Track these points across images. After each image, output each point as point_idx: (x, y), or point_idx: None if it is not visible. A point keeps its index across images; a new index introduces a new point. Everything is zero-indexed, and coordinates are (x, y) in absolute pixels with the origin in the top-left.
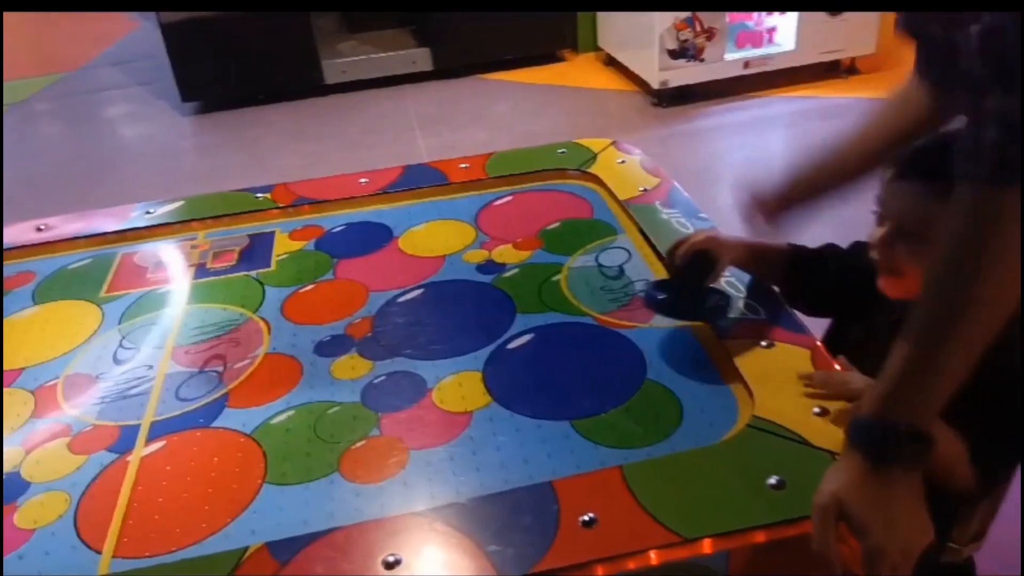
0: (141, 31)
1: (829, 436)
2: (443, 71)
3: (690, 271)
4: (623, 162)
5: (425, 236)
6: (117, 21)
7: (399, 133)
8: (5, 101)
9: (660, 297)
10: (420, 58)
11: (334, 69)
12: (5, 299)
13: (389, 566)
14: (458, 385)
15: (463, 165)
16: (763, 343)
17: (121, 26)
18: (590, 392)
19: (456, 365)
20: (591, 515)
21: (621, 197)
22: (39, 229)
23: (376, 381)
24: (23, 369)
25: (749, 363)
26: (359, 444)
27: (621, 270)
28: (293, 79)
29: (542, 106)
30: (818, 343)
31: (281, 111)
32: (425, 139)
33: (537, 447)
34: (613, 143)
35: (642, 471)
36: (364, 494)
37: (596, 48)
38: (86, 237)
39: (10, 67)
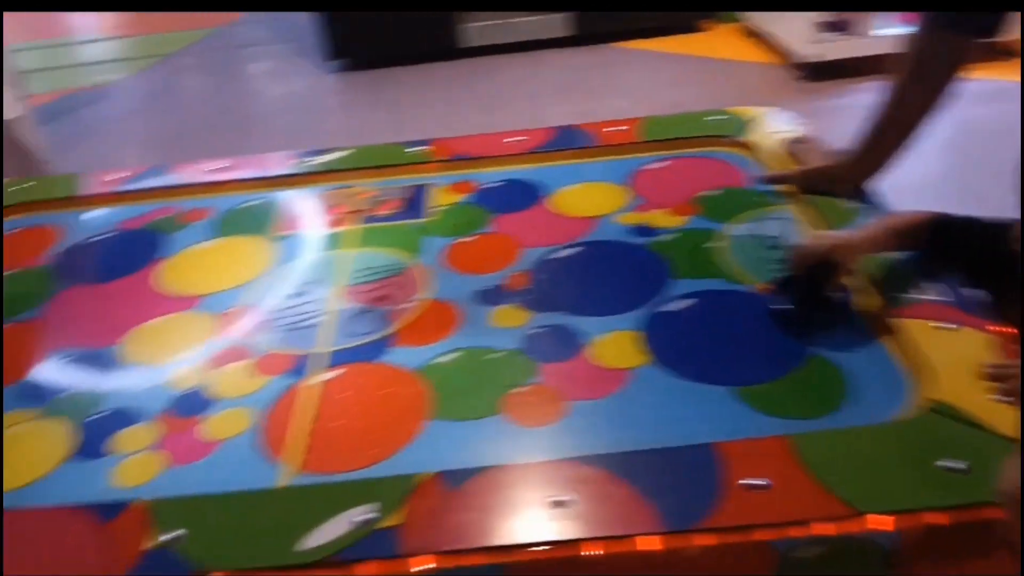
0: None
1: (1009, 422)
2: (579, 37)
3: (808, 282)
4: (779, 132)
5: (577, 196)
6: None
7: (532, 99)
8: (157, 53)
9: (780, 308)
10: (557, 24)
11: (470, 33)
12: (185, 231)
13: (556, 505)
14: (615, 342)
15: (614, 128)
16: (938, 323)
17: None
18: (752, 360)
19: (612, 323)
20: (758, 480)
21: (778, 167)
22: (213, 169)
23: (534, 332)
24: (203, 296)
25: (922, 343)
26: (521, 389)
27: (783, 240)
28: (430, 42)
29: (679, 76)
30: (995, 326)
31: (418, 73)
32: (558, 105)
33: (695, 409)
34: (768, 112)
35: (813, 442)
36: (527, 436)
37: (736, 19)
38: (258, 179)
39: (160, 21)
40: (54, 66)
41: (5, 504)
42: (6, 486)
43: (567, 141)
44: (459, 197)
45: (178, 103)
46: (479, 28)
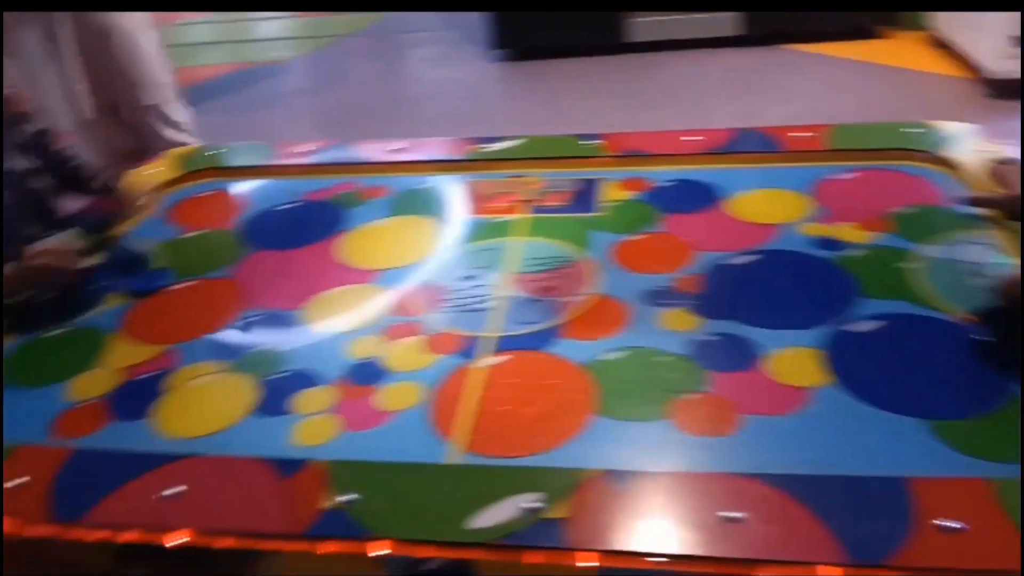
0: None
1: None
2: (750, 38)
3: (1014, 315)
4: (982, 150)
5: (757, 202)
6: None
7: (697, 98)
8: (330, 34)
9: (982, 340)
10: (728, 22)
11: (638, 27)
12: (364, 207)
13: (727, 520)
14: (794, 358)
15: (798, 134)
16: None
17: None
18: (949, 394)
19: (791, 337)
20: (953, 522)
21: (981, 188)
22: (392, 149)
23: (705, 338)
24: (380, 270)
25: None
26: (689, 396)
27: (985, 267)
28: (597, 35)
29: (855, 83)
30: None
31: (582, 66)
32: (724, 106)
33: (883, 439)
34: (971, 128)
35: (1017, 488)
36: (694, 445)
37: (922, 27)
38: (432, 161)
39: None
40: (233, 39)
41: (193, 449)
42: (194, 432)
43: (747, 143)
44: (630, 194)
45: (346, 83)
46: (646, 23)
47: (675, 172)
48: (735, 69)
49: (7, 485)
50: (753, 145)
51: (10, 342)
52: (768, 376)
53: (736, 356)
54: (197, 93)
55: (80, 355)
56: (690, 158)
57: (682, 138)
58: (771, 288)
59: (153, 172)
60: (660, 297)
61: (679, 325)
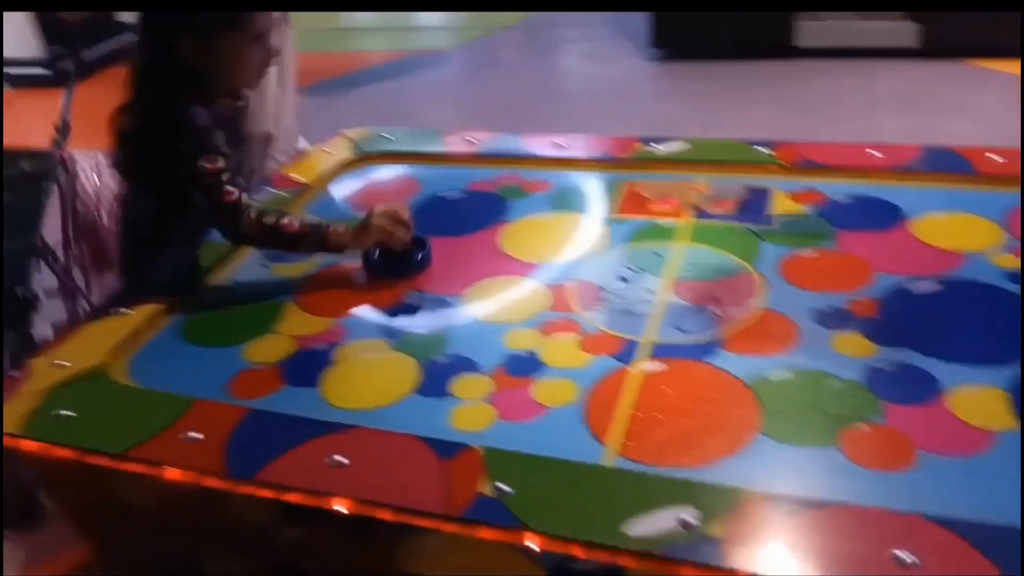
0: None
1: None
2: (927, 50)
3: None
4: None
5: (944, 225)
6: None
7: (864, 109)
8: (489, 25)
9: None
10: (905, 33)
11: (808, 32)
12: (527, 199)
13: (901, 564)
14: (980, 397)
15: (994, 156)
16: None
17: None
18: None
19: (977, 374)
20: None
21: None
22: (557, 144)
23: (881, 366)
24: (540, 264)
25: None
26: (860, 426)
27: None
28: (763, 38)
29: None
30: None
31: (744, 68)
32: (892, 120)
33: None
34: None
35: None
36: (865, 478)
37: None
38: (595, 159)
39: None
40: (397, 27)
41: (357, 421)
42: (358, 404)
43: (936, 163)
44: (803, 206)
45: (502, 75)
46: (816, 27)
47: (853, 187)
48: (908, 82)
49: (185, 435)
50: (943, 165)
51: (201, 295)
52: (949, 412)
53: (914, 388)
54: (360, 78)
55: (257, 320)
56: (871, 173)
57: (866, 151)
58: (955, 319)
59: (329, 153)
60: (832, 318)
61: (853, 349)
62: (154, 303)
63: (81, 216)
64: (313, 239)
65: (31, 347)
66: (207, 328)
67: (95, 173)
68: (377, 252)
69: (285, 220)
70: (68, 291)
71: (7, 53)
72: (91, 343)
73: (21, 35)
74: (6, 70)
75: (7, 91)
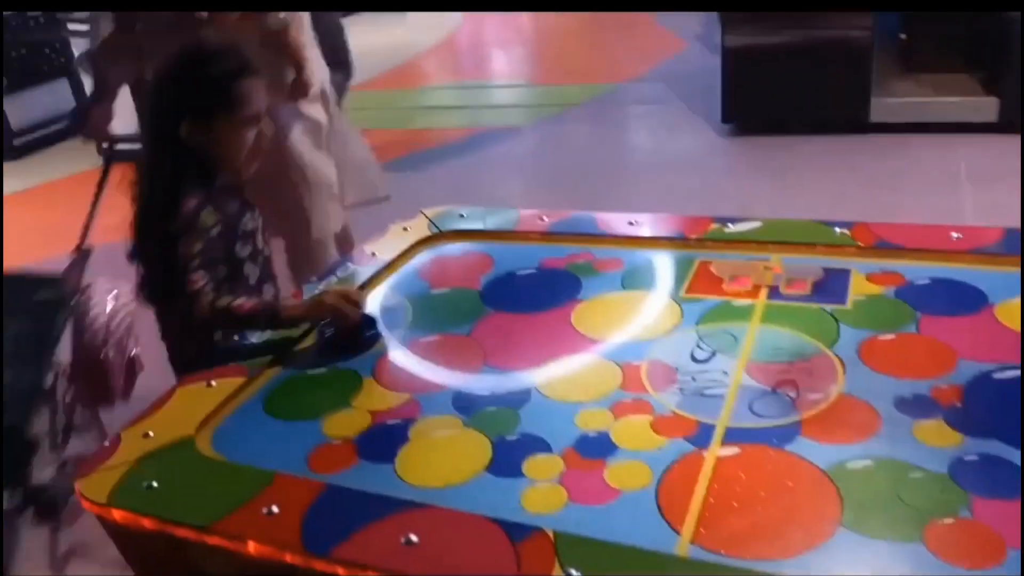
0: (690, 51)
1: None
2: (1008, 124)
3: None
4: None
5: None
6: (669, 40)
7: (944, 186)
8: (562, 103)
9: None
10: (985, 108)
11: (883, 108)
12: (599, 277)
13: None
14: None
15: None
16: None
17: (672, 45)
18: None
19: None
20: None
21: None
22: (630, 223)
23: (967, 458)
24: (612, 343)
25: None
26: (947, 521)
27: None
28: (837, 113)
29: None
30: None
31: (817, 144)
32: (975, 196)
33: None
34: None
35: None
36: (952, 575)
37: None
38: (668, 238)
39: (573, 73)
40: (471, 105)
41: (428, 500)
42: (432, 482)
43: (1018, 245)
44: (882, 288)
45: (574, 150)
46: (895, 103)
47: (934, 269)
48: (990, 158)
49: (267, 510)
50: None
51: (282, 369)
52: None
53: (1002, 481)
54: (435, 154)
55: (335, 394)
56: (952, 256)
57: (948, 232)
58: None
59: (406, 231)
60: (915, 405)
61: (937, 439)
62: (238, 376)
63: (87, 349)
64: (265, 316)
65: (26, 491)
66: (287, 401)
67: (112, 302)
68: (329, 331)
69: (237, 302)
70: (67, 432)
71: (120, 130)
72: (177, 415)
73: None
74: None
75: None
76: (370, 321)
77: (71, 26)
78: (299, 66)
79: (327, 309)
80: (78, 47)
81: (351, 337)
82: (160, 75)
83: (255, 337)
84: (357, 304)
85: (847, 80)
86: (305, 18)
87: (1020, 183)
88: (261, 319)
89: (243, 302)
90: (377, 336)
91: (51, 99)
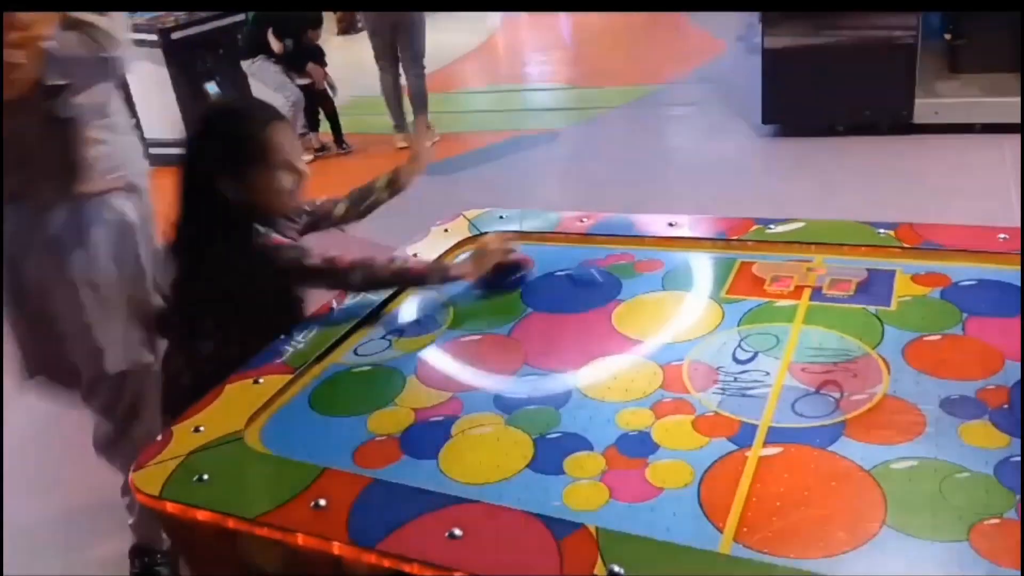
0: (729, 53)
1: None
2: None
3: None
4: None
5: None
6: (707, 42)
7: (990, 186)
8: (602, 105)
9: None
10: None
11: (927, 109)
12: (640, 279)
13: None
14: None
15: None
16: None
17: (710, 46)
18: None
19: None
20: None
21: None
22: (670, 224)
23: (1013, 459)
24: (654, 343)
25: None
26: (992, 521)
27: None
28: (879, 114)
29: None
30: None
31: (859, 145)
32: (1020, 199)
33: None
34: None
35: None
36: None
37: None
38: (709, 239)
39: (612, 75)
40: (510, 108)
41: (471, 495)
42: (475, 479)
43: None
44: (927, 290)
45: (613, 152)
46: (938, 104)
47: (980, 270)
48: None
49: (315, 504)
50: None
51: (327, 367)
52: None
53: None
54: (476, 157)
55: (379, 392)
56: (998, 257)
57: (993, 233)
58: None
59: (447, 232)
60: (961, 406)
61: (983, 441)
62: (285, 373)
63: None
64: (438, 275)
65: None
66: (333, 399)
67: None
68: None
69: (398, 265)
70: None
71: (153, 135)
72: (227, 410)
73: (165, 116)
74: (152, 150)
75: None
76: (517, 267)
77: None
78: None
79: (484, 256)
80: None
81: (503, 275)
82: (191, 138)
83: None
84: (510, 250)
85: (890, 81)
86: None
87: (1021, 182)
88: (432, 275)
89: (409, 264)
90: (522, 280)
91: None
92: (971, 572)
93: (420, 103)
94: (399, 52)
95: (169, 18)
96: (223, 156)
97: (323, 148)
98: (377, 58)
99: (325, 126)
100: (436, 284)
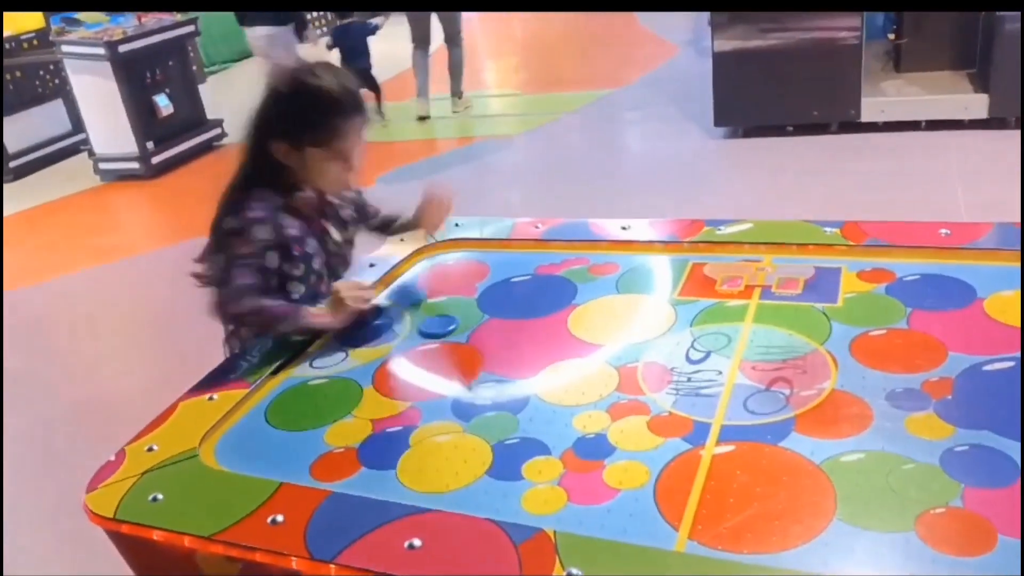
0: (681, 56)
1: None
2: (998, 120)
3: None
4: None
5: (1016, 304)
6: (659, 46)
7: (935, 183)
8: (556, 111)
9: None
10: (974, 104)
11: (873, 107)
12: (594, 283)
13: None
14: None
15: None
16: None
17: (664, 51)
18: None
19: None
20: None
21: None
22: (623, 228)
23: (958, 449)
24: (609, 346)
25: None
26: (938, 511)
27: None
28: (827, 114)
29: None
30: None
31: (808, 144)
32: (966, 193)
33: None
34: None
35: None
36: (946, 564)
37: None
38: (661, 242)
39: (565, 81)
40: (464, 116)
41: (430, 505)
42: (433, 488)
43: (1007, 240)
44: (873, 286)
45: (568, 157)
46: (884, 103)
47: (923, 265)
48: (980, 154)
49: (272, 519)
50: (1015, 242)
51: (283, 380)
52: None
53: (992, 471)
54: (431, 165)
55: (336, 404)
56: (941, 252)
57: (937, 229)
58: None
59: (402, 241)
60: (906, 399)
61: (927, 432)
62: (239, 388)
63: None
64: (291, 319)
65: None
66: (289, 413)
67: None
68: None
69: (267, 303)
70: None
71: (102, 149)
72: (181, 428)
73: (117, 131)
74: (102, 165)
75: (102, 185)
76: (379, 312)
77: (65, 48)
78: None
79: (343, 307)
80: (72, 69)
81: (363, 326)
82: (271, 90)
83: None
84: (370, 296)
85: (837, 81)
86: None
87: (1020, 180)
88: (287, 321)
89: (273, 304)
90: (392, 323)
91: (46, 121)
92: (919, 562)
93: (457, 73)
94: (443, 29)
95: (117, 31)
96: (291, 125)
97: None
98: (413, 39)
99: None
100: (289, 331)
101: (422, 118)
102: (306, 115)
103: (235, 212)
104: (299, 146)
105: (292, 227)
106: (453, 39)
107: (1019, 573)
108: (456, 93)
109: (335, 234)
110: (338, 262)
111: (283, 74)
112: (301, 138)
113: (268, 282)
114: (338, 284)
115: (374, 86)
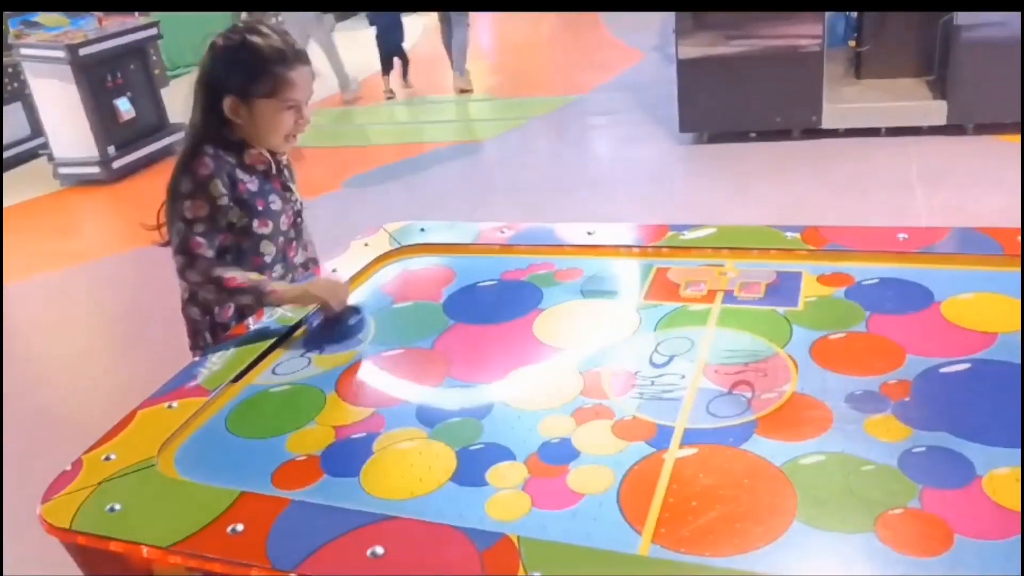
0: (647, 62)
1: None
2: (956, 127)
3: None
4: None
5: (973, 307)
6: (626, 52)
7: (895, 188)
8: (523, 116)
9: None
10: (934, 111)
11: (834, 113)
12: (559, 288)
13: None
14: (1016, 479)
15: None
16: None
17: (630, 56)
18: None
19: (1012, 456)
20: None
21: None
22: (589, 233)
23: (915, 450)
24: (573, 351)
25: None
26: (896, 511)
27: None
28: (790, 120)
29: None
30: None
31: (772, 150)
32: (926, 198)
33: None
34: None
35: None
36: (903, 564)
37: None
38: (626, 246)
39: (532, 86)
40: (434, 121)
41: (393, 512)
42: (397, 494)
43: (965, 244)
44: (832, 290)
45: (535, 162)
46: (845, 109)
47: (882, 269)
48: (939, 160)
49: (232, 529)
50: (972, 246)
51: (244, 388)
52: (985, 495)
53: (949, 471)
54: (398, 169)
55: (298, 411)
56: (900, 256)
57: (895, 234)
58: (989, 400)
59: (367, 246)
60: (865, 401)
61: (885, 434)
62: (199, 396)
63: None
64: (252, 293)
65: None
66: (250, 420)
67: None
68: (317, 320)
69: (229, 274)
70: None
71: (62, 153)
72: (139, 437)
73: (77, 135)
74: (62, 170)
75: (62, 189)
76: (354, 310)
77: (24, 51)
78: None
79: (312, 299)
80: (32, 72)
81: (337, 325)
82: (215, 47)
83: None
84: (343, 296)
85: (799, 87)
86: None
87: (1020, 186)
88: (247, 294)
89: (234, 276)
90: (362, 324)
91: (5, 124)
92: (878, 562)
93: (460, 53)
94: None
95: (78, 34)
96: (240, 78)
97: (392, 94)
98: (440, 18)
99: None
100: (249, 303)
101: (463, 91)
102: (253, 66)
103: (188, 171)
104: (248, 98)
105: (250, 183)
106: (459, 19)
107: (1019, 573)
108: (459, 70)
109: (297, 193)
110: (303, 227)
111: (226, 31)
112: (248, 89)
113: (239, 244)
114: (315, 281)
115: (403, 58)
